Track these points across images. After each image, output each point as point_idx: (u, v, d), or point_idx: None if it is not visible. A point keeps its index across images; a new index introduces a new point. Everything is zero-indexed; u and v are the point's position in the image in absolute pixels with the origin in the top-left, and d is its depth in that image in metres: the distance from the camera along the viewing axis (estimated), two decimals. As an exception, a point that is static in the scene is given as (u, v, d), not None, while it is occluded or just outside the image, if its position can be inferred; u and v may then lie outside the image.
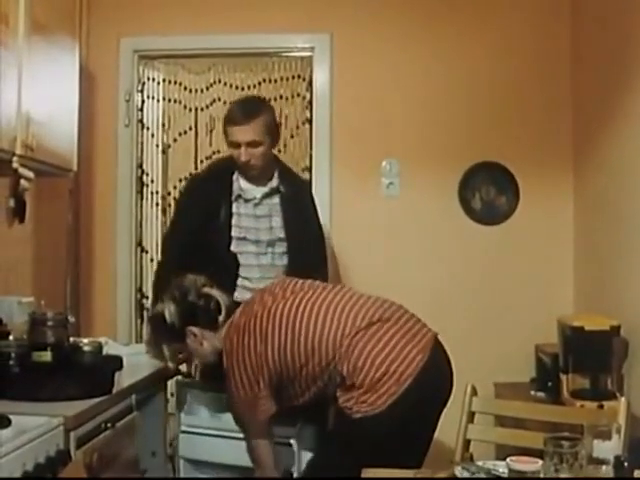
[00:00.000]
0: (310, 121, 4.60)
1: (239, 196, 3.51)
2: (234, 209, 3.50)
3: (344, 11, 4.49)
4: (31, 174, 3.38)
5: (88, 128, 4.42)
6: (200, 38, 4.53)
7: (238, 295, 3.38)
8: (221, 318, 2.98)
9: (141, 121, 4.74)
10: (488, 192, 4.47)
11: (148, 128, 4.82)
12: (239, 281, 3.47)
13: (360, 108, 4.48)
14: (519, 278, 4.42)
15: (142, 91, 4.73)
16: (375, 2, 4.48)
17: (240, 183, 3.53)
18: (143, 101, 4.75)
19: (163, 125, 5.01)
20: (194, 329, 2.96)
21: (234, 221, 3.48)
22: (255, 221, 3.51)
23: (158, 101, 4.94)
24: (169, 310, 3.00)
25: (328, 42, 4.48)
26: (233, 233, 3.47)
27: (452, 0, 4.48)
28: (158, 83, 4.92)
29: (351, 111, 4.47)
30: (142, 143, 4.75)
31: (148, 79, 4.80)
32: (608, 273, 3.86)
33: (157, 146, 4.92)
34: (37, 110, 3.33)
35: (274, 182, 3.58)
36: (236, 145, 3.45)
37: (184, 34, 4.53)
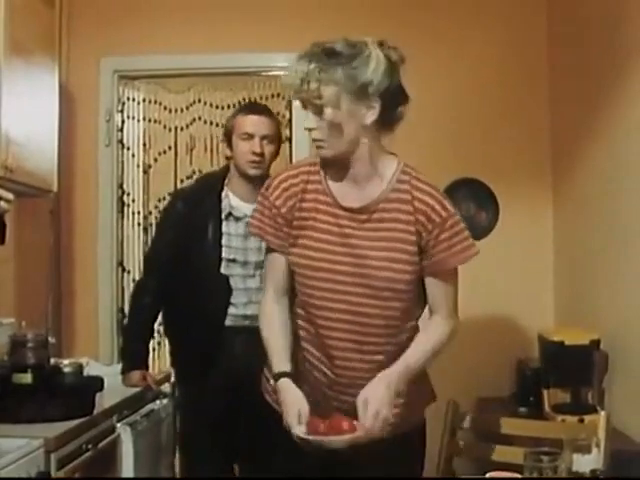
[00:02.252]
0: (290, 140, 4.61)
1: (229, 214, 3.27)
2: (224, 228, 3.25)
3: (323, 30, 4.47)
4: (10, 195, 3.35)
5: (68, 148, 4.42)
6: (180, 58, 4.54)
7: (227, 323, 3.21)
8: None
9: (121, 141, 4.73)
10: (468, 208, 4.49)
11: (129, 148, 4.81)
12: (232, 309, 3.23)
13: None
14: (500, 293, 4.44)
15: (122, 111, 4.74)
16: (353, 20, 4.49)
17: (230, 200, 3.28)
18: (123, 121, 4.75)
19: (144, 145, 5.00)
20: None
21: (224, 241, 3.24)
22: (244, 241, 3.24)
23: (138, 121, 4.93)
24: None
25: (307, 61, 4.49)
26: (223, 254, 3.22)
27: (433, 18, 4.51)
28: (138, 103, 4.92)
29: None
30: (123, 163, 4.74)
31: (128, 99, 4.81)
32: (588, 287, 3.89)
33: (138, 166, 4.92)
34: (16, 131, 3.34)
35: None
36: (248, 137, 3.22)
37: (164, 54, 4.54)
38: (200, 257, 3.24)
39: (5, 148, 3.23)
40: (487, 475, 1.97)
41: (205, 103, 5.09)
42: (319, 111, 2.17)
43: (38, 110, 3.70)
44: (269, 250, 2.38)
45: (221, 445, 3.25)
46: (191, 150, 5.09)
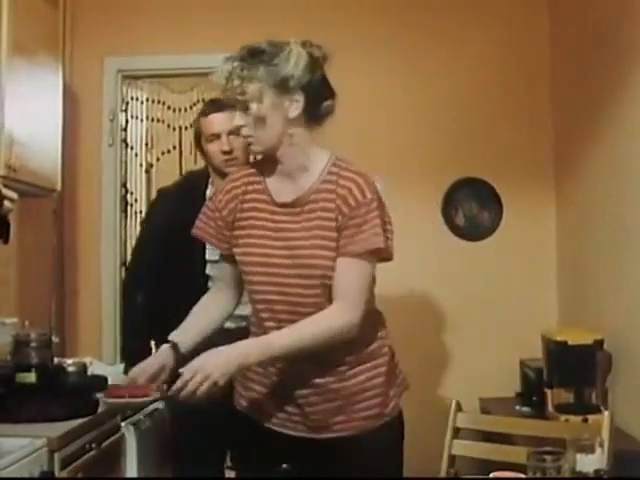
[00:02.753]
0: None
1: None
2: None
3: (325, 30, 4.49)
4: (14, 195, 3.37)
5: (72, 148, 4.43)
6: (183, 57, 4.54)
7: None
8: None
9: (125, 140, 4.74)
10: (471, 208, 4.49)
11: (132, 147, 4.82)
12: None
13: (342, 126, 4.46)
14: (503, 293, 4.44)
15: (126, 110, 4.74)
16: (359, 21, 4.50)
17: None
18: (127, 120, 4.76)
19: (147, 144, 5.01)
20: None
21: None
22: None
23: (142, 120, 4.94)
24: None
25: (310, 60, 4.50)
26: (208, 256, 3.12)
27: (434, 18, 4.51)
28: (142, 102, 4.93)
29: (333, 129, 4.46)
30: (126, 162, 4.75)
31: (132, 98, 4.81)
32: (591, 287, 3.89)
33: (141, 165, 4.93)
34: (20, 131, 3.34)
35: None
36: (215, 137, 3.14)
37: (167, 53, 4.54)
38: (185, 258, 3.15)
39: (9, 148, 3.23)
40: (491, 475, 1.96)
41: (208, 103, 5.09)
42: (245, 107, 2.24)
43: (41, 110, 3.70)
44: (220, 255, 2.49)
45: (217, 450, 3.20)
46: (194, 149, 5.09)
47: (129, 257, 4.63)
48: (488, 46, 4.49)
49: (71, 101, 4.38)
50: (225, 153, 3.13)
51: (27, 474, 2.28)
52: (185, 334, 2.40)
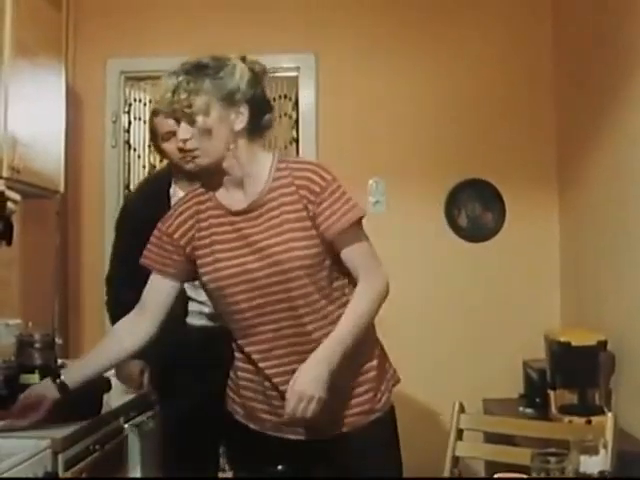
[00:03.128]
0: (297, 140, 4.63)
1: None
2: None
3: (329, 31, 4.52)
4: (18, 196, 3.36)
5: (75, 150, 4.43)
6: (186, 59, 4.52)
7: (197, 322, 3.11)
8: None
9: (128, 142, 4.75)
10: (474, 209, 4.49)
11: (135, 149, 4.83)
12: (194, 306, 3.10)
13: (346, 127, 4.51)
14: (506, 294, 4.44)
15: (129, 112, 4.75)
16: (359, 21, 4.51)
17: (179, 196, 2.91)
18: (130, 122, 4.76)
19: (149, 146, 5.00)
20: None
21: None
22: None
23: (145, 122, 4.93)
24: None
25: (313, 62, 4.52)
26: None
27: (437, 19, 4.52)
28: (145, 104, 4.93)
29: (337, 130, 4.49)
30: (129, 164, 4.76)
31: (135, 100, 4.82)
32: (594, 288, 3.89)
33: (144, 167, 4.94)
34: (23, 132, 3.34)
35: None
36: (171, 135, 2.97)
37: (170, 55, 4.49)
38: None
39: (12, 149, 3.23)
40: (495, 476, 1.96)
41: (211, 104, 5.10)
42: (191, 120, 2.24)
43: (44, 111, 3.71)
44: (155, 276, 2.46)
45: (210, 453, 3.15)
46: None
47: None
48: (490, 46, 4.49)
49: (74, 103, 4.39)
50: (182, 151, 3.01)
51: (31, 475, 2.28)
52: (76, 372, 2.49)
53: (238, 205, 2.33)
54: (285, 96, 4.86)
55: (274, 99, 4.81)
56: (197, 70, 2.28)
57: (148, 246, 2.46)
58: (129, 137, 4.76)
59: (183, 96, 2.22)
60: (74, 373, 2.49)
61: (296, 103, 4.66)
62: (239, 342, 2.38)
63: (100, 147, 4.61)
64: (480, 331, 4.38)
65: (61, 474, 2.49)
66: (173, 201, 3.02)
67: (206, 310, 3.05)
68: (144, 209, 3.05)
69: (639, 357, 3.30)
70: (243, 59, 2.35)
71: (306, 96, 4.56)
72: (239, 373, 2.41)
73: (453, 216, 4.49)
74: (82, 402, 2.80)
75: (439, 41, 4.52)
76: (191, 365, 3.07)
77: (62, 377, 2.44)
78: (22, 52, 3.34)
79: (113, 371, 3.50)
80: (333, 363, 2.23)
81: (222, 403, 2.56)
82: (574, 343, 3.42)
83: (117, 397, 3.12)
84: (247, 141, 2.32)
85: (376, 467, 2.35)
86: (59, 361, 3.00)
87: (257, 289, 2.29)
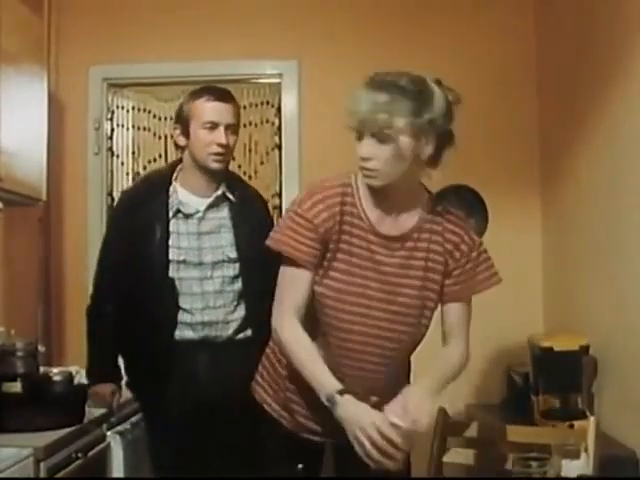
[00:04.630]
0: (279, 147, 4.63)
1: (178, 211, 2.96)
2: (172, 227, 2.93)
3: (311, 37, 4.53)
4: (0, 204, 3.37)
5: (57, 157, 4.42)
6: (169, 66, 4.55)
7: (178, 333, 2.92)
8: None
9: (111, 149, 4.74)
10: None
11: (118, 156, 4.81)
12: (180, 315, 2.92)
13: (329, 133, 4.50)
14: (489, 299, 4.40)
15: (112, 119, 4.74)
16: (342, 28, 4.52)
17: (179, 195, 2.98)
18: (113, 129, 4.75)
19: (133, 153, 4.99)
20: None
21: (172, 241, 2.92)
22: (197, 240, 2.95)
23: (128, 129, 4.93)
24: None
25: (296, 68, 4.52)
26: (171, 256, 2.91)
27: (421, 24, 4.53)
28: (127, 111, 4.92)
29: (320, 136, 4.49)
30: (112, 171, 4.74)
31: (117, 107, 4.81)
32: (576, 292, 3.90)
33: (127, 174, 4.91)
34: (5, 139, 3.34)
35: (220, 190, 3.02)
36: (212, 126, 2.92)
37: (153, 62, 4.55)
38: (146, 260, 2.93)
39: (-6, 157, 3.23)
40: None
41: (194, 111, 5.10)
42: (384, 140, 2.16)
43: (27, 119, 3.70)
44: (288, 264, 2.27)
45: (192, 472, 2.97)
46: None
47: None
48: (471, 52, 4.50)
49: (57, 109, 4.38)
50: (220, 146, 2.93)
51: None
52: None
53: (386, 229, 2.27)
54: (267, 102, 4.85)
55: (256, 105, 4.82)
56: (398, 89, 2.17)
57: (288, 232, 2.25)
58: (112, 144, 4.74)
59: (384, 116, 2.13)
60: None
61: (278, 109, 4.66)
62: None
63: (83, 154, 4.60)
64: (464, 336, 4.38)
65: (43, 482, 2.49)
66: (172, 199, 2.97)
67: (189, 319, 2.94)
68: (140, 203, 3.00)
69: (622, 361, 3.31)
70: (439, 83, 2.27)
71: (289, 102, 4.57)
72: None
73: (436, 222, 4.50)
74: (64, 410, 2.81)
75: (422, 47, 4.53)
76: (172, 378, 2.92)
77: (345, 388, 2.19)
78: (4, 59, 3.34)
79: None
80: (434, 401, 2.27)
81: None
82: (556, 348, 3.43)
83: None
84: (419, 169, 2.25)
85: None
86: (41, 369, 2.99)
87: (366, 317, 2.28)
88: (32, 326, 4.25)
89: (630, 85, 3.18)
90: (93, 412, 3.02)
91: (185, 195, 2.99)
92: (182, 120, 3.00)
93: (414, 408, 2.11)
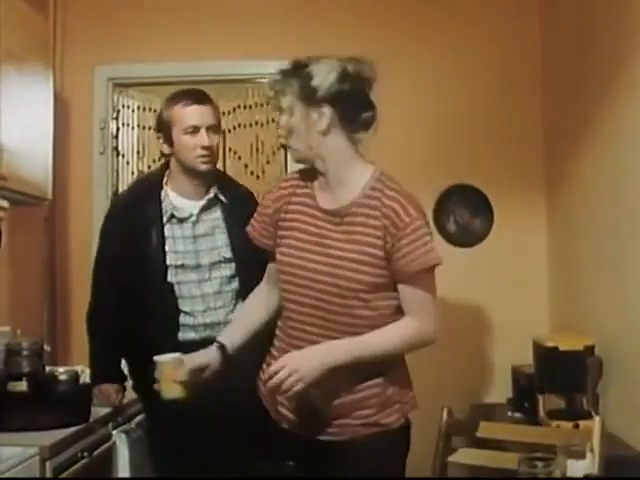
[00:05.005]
0: (285, 146, 4.62)
1: (172, 216, 2.98)
2: (167, 232, 2.96)
3: (314, 37, 4.52)
4: (5, 203, 3.38)
5: (63, 156, 4.43)
6: (174, 65, 4.55)
7: (182, 335, 2.94)
8: None
9: (116, 148, 4.74)
10: (462, 215, 4.50)
11: (123, 155, 4.82)
12: (181, 318, 2.95)
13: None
14: (495, 299, 4.44)
15: (117, 118, 4.74)
16: (344, 27, 4.51)
17: (171, 199, 3.00)
18: (118, 128, 4.75)
19: (138, 152, 5.00)
20: None
21: (168, 246, 2.95)
22: (193, 243, 2.98)
23: (133, 128, 4.94)
24: None
25: (301, 68, 4.52)
26: (168, 261, 2.94)
27: (425, 24, 4.53)
28: (133, 110, 4.93)
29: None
30: (117, 170, 4.75)
31: (123, 106, 4.81)
32: (582, 292, 3.90)
33: (132, 173, 4.92)
34: (11, 139, 3.34)
35: (211, 192, 3.04)
36: (194, 130, 2.93)
37: (158, 61, 4.55)
38: (143, 267, 2.96)
39: (-1, 156, 3.23)
40: None
41: (200, 110, 5.10)
42: (282, 118, 2.38)
43: (32, 118, 3.70)
44: (268, 253, 2.54)
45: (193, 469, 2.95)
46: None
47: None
48: (477, 53, 4.50)
49: (62, 109, 4.38)
50: (204, 148, 2.95)
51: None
52: (232, 334, 2.54)
53: (326, 204, 2.39)
54: (272, 102, 4.85)
55: (260, 105, 4.82)
56: (293, 69, 2.38)
57: (252, 222, 2.55)
58: (117, 143, 4.75)
59: (272, 95, 2.38)
60: (232, 336, 2.55)
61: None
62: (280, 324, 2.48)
63: (88, 154, 4.61)
64: (469, 336, 4.39)
65: (49, 481, 2.49)
66: (165, 203, 2.99)
67: (191, 321, 2.96)
68: (133, 210, 3.02)
69: (627, 361, 3.31)
70: (349, 60, 2.43)
71: (294, 102, 4.56)
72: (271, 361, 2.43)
73: (442, 222, 4.50)
74: (70, 409, 2.81)
75: (426, 47, 4.53)
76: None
77: (221, 340, 2.52)
78: (9, 59, 3.34)
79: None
80: (339, 361, 2.26)
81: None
82: (561, 348, 3.43)
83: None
84: (344, 141, 2.39)
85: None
86: (47, 368, 2.99)
87: (309, 289, 2.35)
88: (38, 325, 4.26)
89: (635, 86, 3.17)
90: (98, 411, 3.02)
91: (177, 199, 3.02)
92: (164, 128, 3.01)
93: (298, 358, 2.25)
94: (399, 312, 2.38)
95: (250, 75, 4.67)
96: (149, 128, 5.02)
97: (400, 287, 2.34)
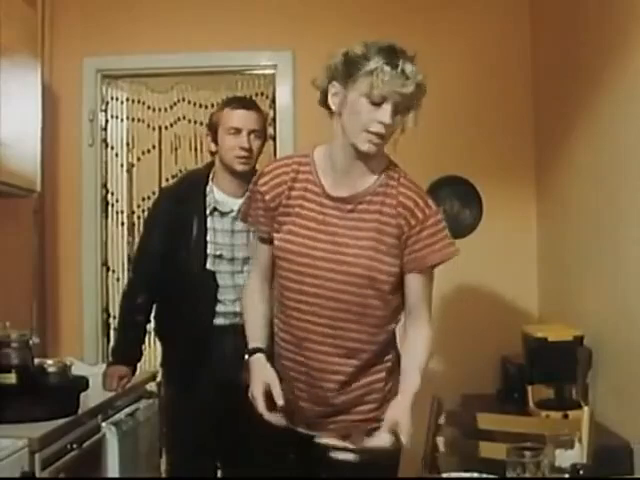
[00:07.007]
0: (274, 138, 4.62)
1: (215, 209, 3.20)
2: (209, 224, 3.20)
3: (305, 28, 4.52)
4: (-6, 195, 3.37)
5: (52, 148, 4.41)
6: (163, 57, 4.54)
7: (216, 321, 3.17)
8: None
9: (105, 140, 4.73)
10: (452, 206, 4.50)
11: (112, 147, 4.81)
12: (218, 307, 3.19)
13: (323, 125, 4.48)
14: (484, 290, 4.45)
15: (106, 110, 4.73)
16: (336, 18, 4.50)
17: (215, 195, 3.22)
18: (107, 120, 4.74)
19: (127, 144, 5.00)
20: None
21: (209, 237, 3.18)
22: (231, 237, 3.20)
23: (122, 120, 4.93)
24: None
25: (290, 59, 4.51)
26: (209, 250, 3.17)
27: (417, 16, 4.51)
28: (122, 102, 4.92)
29: (314, 128, 4.44)
30: (106, 162, 4.74)
31: (112, 98, 4.80)
32: (571, 283, 3.91)
33: (121, 165, 4.92)
34: (-1, 131, 3.32)
35: None
36: (236, 131, 3.15)
37: (147, 53, 4.54)
38: (185, 254, 3.18)
39: (-13, 148, 3.22)
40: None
41: (189, 102, 5.12)
42: (400, 110, 2.44)
43: (21, 110, 3.69)
44: (259, 237, 2.48)
45: (207, 446, 3.22)
46: (175, 149, 5.10)
47: (110, 257, 4.69)
48: (467, 44, 4.49)
49: (51, 101, 4.37)
50: (243, 149, 3.15)
51: (8, 474, 2.28)
52: (263, 338, 2.42)
53: (338, 192, 2.33)
54: (262, 93, 4.84)
55: (250, 96, 4.81)
56: (411, 60, 2.59)
57: (246, 203, 2.47)
58: (106, 135, 4.73)
59: (412, 87, 2.50)
60: (262, 337, 2.43)
61: (273, 101, 4.65)
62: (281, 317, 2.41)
63: (77, 146, 4.59)
64: (458, 327, 4.39)
65: (38, 474, 2.49)
66: (209, 197, 3.21)
67: (222, 309, 3.16)
68: (180, 201, 3.26)
69: (616, 352, 3.32)
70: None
71: (283, 94, 4.55)
72: (282, 352, 2.41)
73: (431, 213, 4.50)
74: (59, 401, 2.80)
75: (417, 39, 4.49)
76: (207, 361, 3.15)
77: (261, 347, 2.40)
78: (-2, 50, 3.32)
79: (96, 369, 3.54)
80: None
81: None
82: (551, 338, 3.44)
83: (95, 396, 3.12)
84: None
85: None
86: (36, 360, 2.98)
87: (315, 277, 2.31)
88: (27, 318, 4.25)
89: (626, 77, 3.18)
90: (88, 403, 3.02)
91: (220, 195, 3.23)
92: (212, 128, 3.25)
93: (394, 423, 2.18)
94: (402, 303, 2.39)
95: (239, 67, 4.67)
96: (138, 120, 5.03)
97: (410, 277, 2.34)
